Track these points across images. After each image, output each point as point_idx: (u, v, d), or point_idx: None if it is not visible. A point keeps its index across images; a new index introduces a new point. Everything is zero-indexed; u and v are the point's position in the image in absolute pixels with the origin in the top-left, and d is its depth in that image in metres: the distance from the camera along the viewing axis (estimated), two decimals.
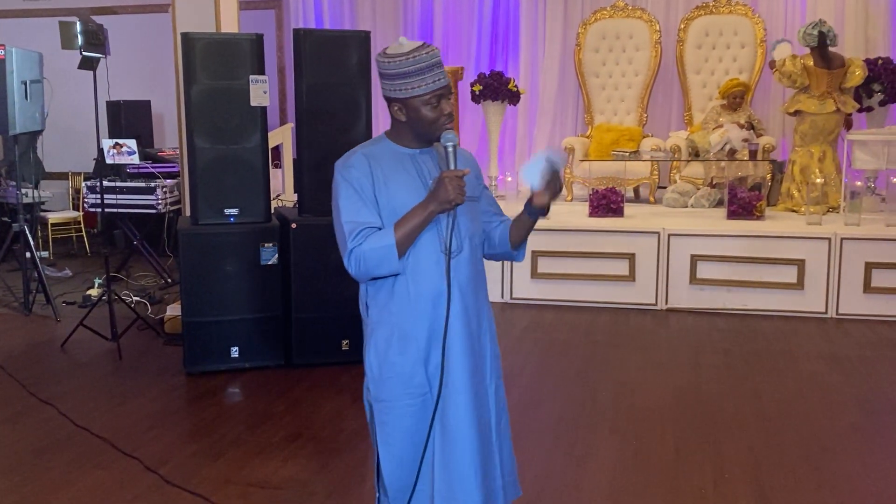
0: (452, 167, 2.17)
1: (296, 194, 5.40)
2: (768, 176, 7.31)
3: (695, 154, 7.49)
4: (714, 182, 7.56)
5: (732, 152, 7.15)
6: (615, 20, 8.50)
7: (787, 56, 7.10)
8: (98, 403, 4.40)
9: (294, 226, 4.82)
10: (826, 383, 4.68)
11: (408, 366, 2.27)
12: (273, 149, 6.52)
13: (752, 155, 7.06)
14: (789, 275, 6.02)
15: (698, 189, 7.60)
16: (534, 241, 6.27)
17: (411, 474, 2.28)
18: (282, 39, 9.88)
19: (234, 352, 4.85)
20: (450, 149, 2.18)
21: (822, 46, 6.90)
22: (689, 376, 4.79)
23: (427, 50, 2.17)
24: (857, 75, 6.95)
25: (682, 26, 8.39)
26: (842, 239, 5.93)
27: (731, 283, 6.11)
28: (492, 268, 6.44)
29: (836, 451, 3.74)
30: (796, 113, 7.13)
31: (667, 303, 6.24)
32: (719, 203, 7.31)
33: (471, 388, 2.27)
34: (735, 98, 7.60)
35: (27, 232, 6.30)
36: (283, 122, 9.43)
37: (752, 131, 7.38)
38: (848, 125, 7.18)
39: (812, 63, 6.94)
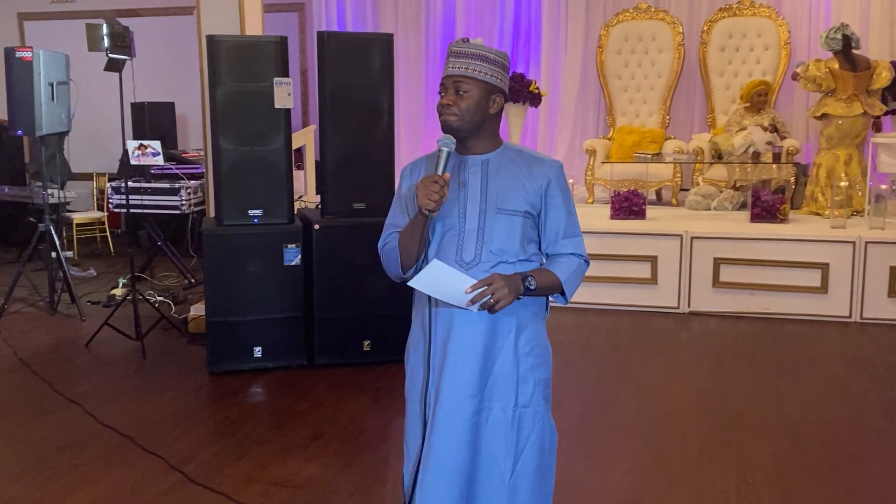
0: (440, 171, 2.12)
1: (318, 196, 5.43)
2: (792, 179, 7.26)
3: (718, 156, 7.46)
4: (737, 185, 7.52)
5: (756, 155, 7.11)
6: (638, 22, 8.48)
7: (811, 61, 7.07)
8: (122, 402, 4.44)
9: (317, 227, 4.84)
10: (850, 388, 4.64)
11: (417, 367, 2.31)
12: (295, 151, 6.54)
13: (776, 157, 7.02)
14: (813, 278, 5.98)
15: (721, 192, 7.57)
16: None
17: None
18: (305, 42, 9.94)
19: (258, 352, 4.88)
20: (442, 154, 2.14)
21: (846, 49, 6.85)
22: (712, 380, 4.77)
23: (459, 41, 2.20)
24: (884, 77, 6.89)
25: (706, 28, 8.36)
26: (866, 242, 5.88)
27: (755, 286, 6.07)
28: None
29: (860, 456, 3.71)
30: (823, 116, 7.07)
31: (689, 306, 6.21)
32: (742, 206, 7.28)
33: (457, 406, 2.21)
34: (759, 97, 7.55)
35: (52, 232, 6.37)
36: (305, 124, 9.48)
37: (775, 134, 7.34)
38: (877, 128, 7.13)
39: (837, 66, 6.89)
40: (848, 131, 6.92)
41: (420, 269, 2.15)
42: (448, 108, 2.18)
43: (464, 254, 2.21)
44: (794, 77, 7.21)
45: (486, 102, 2.19)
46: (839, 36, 6.82)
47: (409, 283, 2.13)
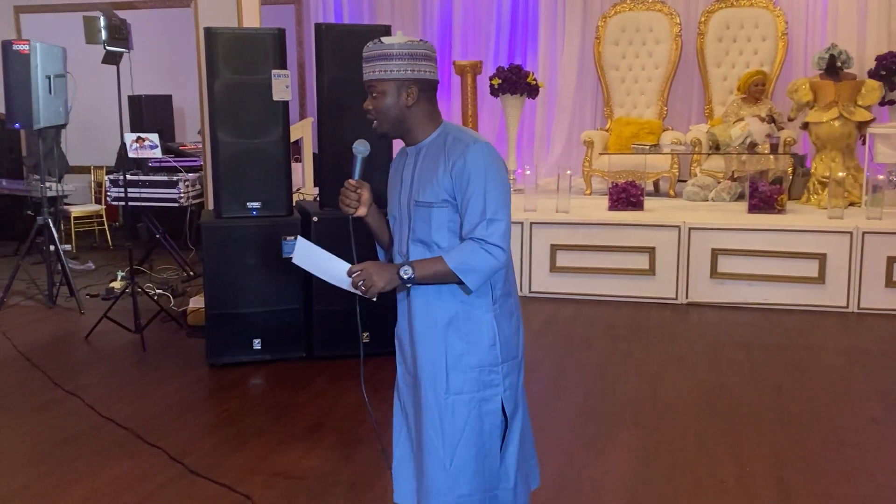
0: (354, 177, 2.29)
1: (316, 188, 5.43)
2: (789, 169, 7.28)
3: (715, 147, 7.47)
4: (735, 176, 7.54)
5: (753, 146, 7.12)
6: (635, 13, 8.48)
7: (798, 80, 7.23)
8: (122, 394, 4.45)
9: (315, 219, 4.85)
10: (847, 377, 4.66)
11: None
12: (293, 143, 6.55)
13: (774, 148, 7.04)
14: (810, 269, 6.00)
15: (719, 183, 7.58)
16: (553, 235, 6.36)
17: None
18: (302, 34, 9.92)
19: (257, 344, 4.89)
20: (356, 160, 2.29)
21: (831, 68, 6.92)
22: (710, 370, 4.79)
23: (369, 44, 2.24)
24: (875, 95, 6.93)
25: (703, 19, 8.36)
26: (863, 233, 5.90)
27: (752, 277, 6.09)
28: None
29: (858, 445, 3.73)
30: (806, 126, 7.16)
31: (687, 297, 6.23)
32: (740, 197, 7.29)
33: (405, 392, 2.43)
34: (756, 87, 7.56)
35: (51, 225, 6.37)
36: (302, 116, 9.48)
37: (773, 125, 7.35)
38: (863, 139, 7.12)
39: (818, 79, 7.00)
40: (828, 137, 6.96)
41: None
42: (369, 114, 2.26)
43: (401, 244, 2.33)
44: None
45: (399, 98, 2.21)
46: (827, 55, 6.94)
47: (293, 262, 2.27)
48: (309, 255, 2.25)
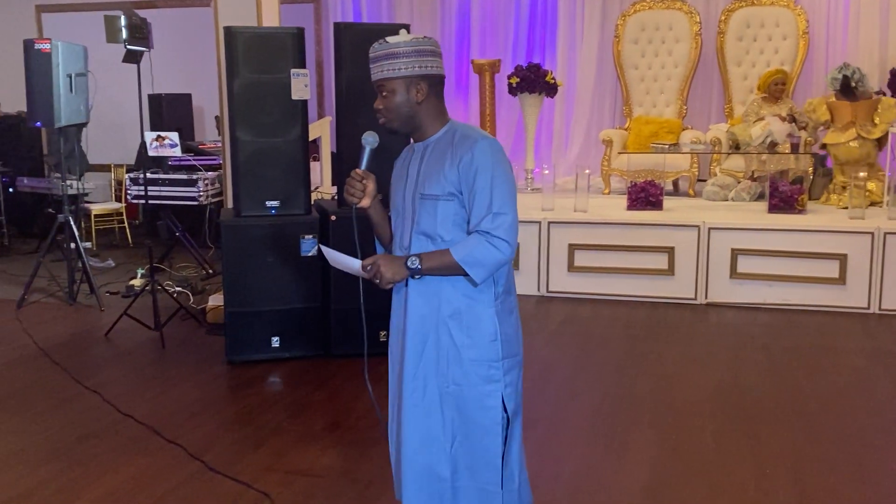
0: (361, 167, 2.34)
1: (334, 187, 5.44)
2: (810, 169, 7.22)
3: (735, 147, 7.43)
4: (755, 175, 7.49)
5: (774, 145, 7.07)
6: (655, 11, 8.44)
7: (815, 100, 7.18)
8: (142, 391, 4.48)
9: (333, 218, 4.85)
10: (868, 379, 4.62)
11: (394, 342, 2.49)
12: (311, 142, 6.57)
13: (794, 148, 6.98)
14: (831, 269, 5.95)
15: (739, 182, 7.54)
16: (571, 234, 6.34)
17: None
18: (320, 33, 9.94)
19: (275, 341, 4.90)
20: (364, 150, 2.33)
21: (845, 88, 6.83)
22: (729, 371, 4.76)
23: (375, 45, 2.27)
24: (892, 112, 6.84)
25: (723, 18, 8.30)
26: (885, 233, 5.84)
27: (772, 277, 6.05)
28: (528, 260, 6.44)
29: (878, 448, 3.70)
30: (823, 147, 7.12)
31: (706, 297, 6.19)
32: (760, 196, 7.24)
33: (407, 383, 2.37)
34: (776, 86, 7.51)
35: (71, 223, 6.41)
36: (320, 115, 9.50)
37: (793, 124, 7.29)
38: (880, 147, 7.04)
39: (834, 98, 6.94)
40: (847, 158, 6.89)
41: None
42: (379, 113, 2.30)
43: (403, 237, 2.37)
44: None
45: (409, 94, 2.26)
46: (840, 76, 6.84)
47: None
48: (333, 257, 2.34)
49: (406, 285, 2.34)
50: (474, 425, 2.32)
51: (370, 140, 2.33)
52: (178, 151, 7.08)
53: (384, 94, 2.26)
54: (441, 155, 2.27)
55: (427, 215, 2.28)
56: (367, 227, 2.49)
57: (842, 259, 5.91)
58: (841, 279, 5.92)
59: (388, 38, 2.24)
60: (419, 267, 2.22)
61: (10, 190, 9.02)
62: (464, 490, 2.36)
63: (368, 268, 2.24)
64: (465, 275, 2.22)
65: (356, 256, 2.28)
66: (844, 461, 3.55)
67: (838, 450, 3.67)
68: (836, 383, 4.54)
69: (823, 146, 7.13)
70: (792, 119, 7.34)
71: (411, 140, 2.39)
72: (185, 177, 7.76)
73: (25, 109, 6.35)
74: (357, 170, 2.34)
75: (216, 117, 9.38)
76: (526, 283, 6.45)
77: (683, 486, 3.35)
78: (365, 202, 2.37)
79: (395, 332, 2.45)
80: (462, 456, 2.35)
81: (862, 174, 6.52)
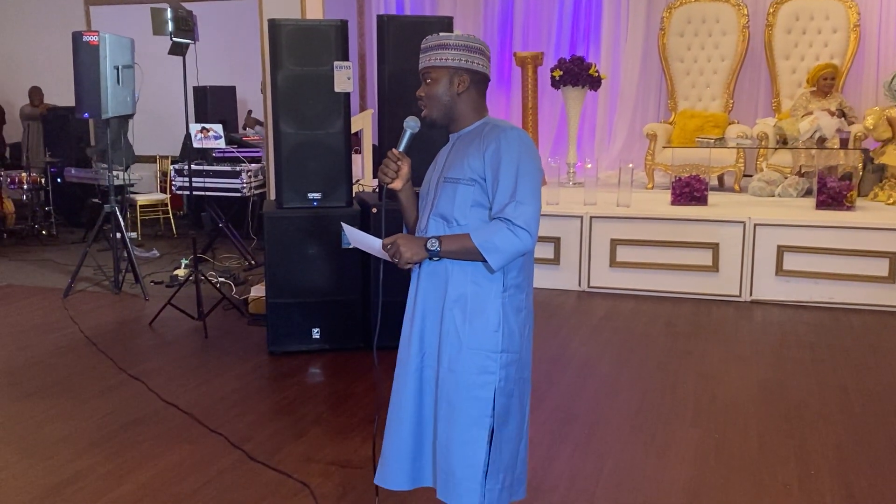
0: (400, 148, 2.38)
1: (375, 180, 5.45)
2: (860, 165, 7.07)
3: (783, 142, 7.30)
4: (802, 171, 7.35)
5: (822, 140, 6.94)
6: (701, 4, 8.32)
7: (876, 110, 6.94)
8: (184, 380, 4.53)
9: (374, 210, 4.86)
10: None
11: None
12: (353, 135, 6.59)
13: (843, 143, 6.84)
14: (880, 268, 5.82)
15: (786, 178, 7.41)
16: (613, 229, 6.29)
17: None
18: (363, 26, 9.96)
19: (316, 333, 4.93)
20: (404, 133, 2.37)
21: None
22: (774, 370, 4.68)
23: (427, 37, 2.34)
24: None
25: (772, 10, 8.16)
26: None
27: (819, 275, 5.93)
28: (569, 255, 6.40)
29: None
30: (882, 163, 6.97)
31: (751, 294, 6.10)
32: (808, 192, 7.11)
33: (414, 360, 2.42)
34: (826, 80, 7.37)
35: (117, 213, 6.51)
36: (362, 108, 9.53)
37: (843, 119, 7.15)
38: None
39: (893, 112, 6.72)
40: None
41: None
42: (420, 100, 2.36)
43: (422, 219, 2.41)
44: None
45: (451, 85, 2.31)
46: None
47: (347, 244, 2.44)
48: (354, 236, 2.39)
49: (419, 267, 2.37)
50: (461, 414, 2.30)
51: (412, 124, 2.37)
52: (222, 143, 7.16)
53: (428, 80, 2.33)
54: (469, 143, 2.31)
55: (446, 198, 2.31)
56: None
57: (891, 257, 5.78)
58: (890, 278, 5.79)
59: (442, 33, 2.34)
60: (438, 249, 2.23)
61: (59, 180, 9.19)
62: (442, 475, 2.35)
63: (388, 247, 2.25)
64: (484, 260, 2.21)
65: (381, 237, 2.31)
66: (892, 462, 3.48)
67: (885, 450, 3.59)
68: (882, 383, 4.45)
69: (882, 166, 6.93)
70: (841, 114, 7.20)
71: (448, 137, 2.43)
72: (228, 168, 7.83)
73: (73, 101, 6.45)
74: (394, 150, 2.37)
75: (249, 111, 9.47)
76: (567, 278, 6.41)
77: (726, 486, 3.30)
78: (396, 184, 2.40)
79: (406, 318, 2.50)
80: (443, 443, 2.34)
81: None
